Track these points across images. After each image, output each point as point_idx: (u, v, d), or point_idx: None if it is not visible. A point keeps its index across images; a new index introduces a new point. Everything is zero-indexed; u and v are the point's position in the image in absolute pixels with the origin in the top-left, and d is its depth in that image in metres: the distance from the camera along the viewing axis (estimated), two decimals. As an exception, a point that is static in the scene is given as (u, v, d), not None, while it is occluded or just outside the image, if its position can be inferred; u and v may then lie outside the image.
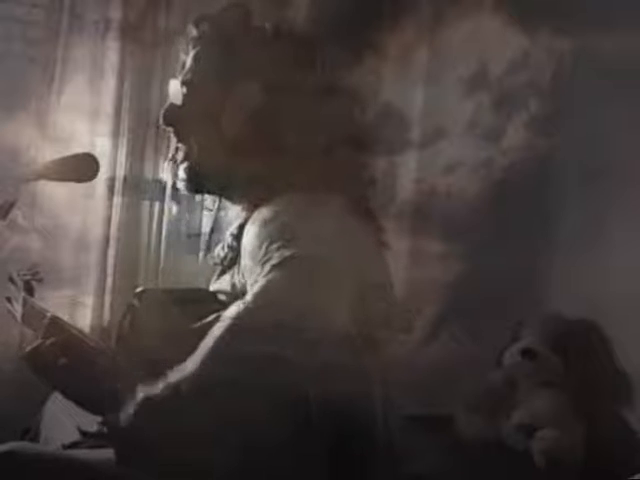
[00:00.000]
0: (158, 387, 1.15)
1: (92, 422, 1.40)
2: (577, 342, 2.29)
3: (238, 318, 1.13)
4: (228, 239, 1.39)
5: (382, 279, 1.38)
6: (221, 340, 1.13)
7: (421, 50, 2.73)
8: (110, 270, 2.58)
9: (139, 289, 1.40)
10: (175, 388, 1.14)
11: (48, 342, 1.31)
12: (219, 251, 1.41)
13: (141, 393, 1.16)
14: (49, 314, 1.37)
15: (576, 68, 2.51)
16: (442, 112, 2.70)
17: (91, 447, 1.42)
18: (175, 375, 1.15)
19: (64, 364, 1.28)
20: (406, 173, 2.78)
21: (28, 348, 1.32)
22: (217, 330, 1.14)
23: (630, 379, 2.24)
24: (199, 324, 1.25)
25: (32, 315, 1.44)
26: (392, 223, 2.70)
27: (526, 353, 2.28)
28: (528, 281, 2.51)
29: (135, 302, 1.38)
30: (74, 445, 1.49)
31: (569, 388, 2.26)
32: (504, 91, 2.66)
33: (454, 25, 2.66)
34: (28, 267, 1.58)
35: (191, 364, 1.14)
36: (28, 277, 1.55)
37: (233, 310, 1.14)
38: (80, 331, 1.38)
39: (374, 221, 1.45)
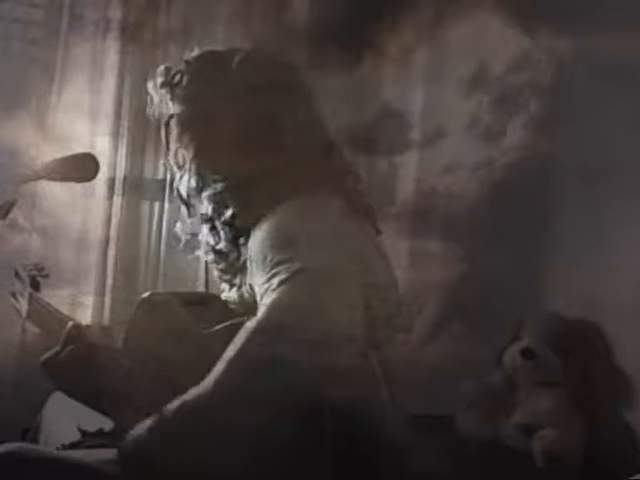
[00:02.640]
0: (174, 404, 1.15)
1: (92, 422, 1.40)
2: (577, 342, 2.29)
3: (252, 334, 1.14)
4: (229, 252, 1.38)
5: (386, 279, 1.38)
6: (236, 358, 1.13)
7: (421, 50, 2.73)
8: (110, 270, 2.58)
9: (146, 294, 1.40)
10: (193, 404, 1.13)
11: (67, 350, 1.31)
12: (222, 267, 1.41)
13: (155, 415, 1.16)
14: (71, 323, 1.36)
15: (576, 68, 2.51)
16: (442, 112, 2.70)
17: (91, 447, 1.42)
18: (193, 392, 1.14)
19: (82, 371, 1.28)
20: (406, 173, 2.78)
21: (46, 356, 1.32)
22: (232, 347, 1.14)
23: (630, 379, 2.24)
24: (209, 331, 1.25)
25: (42, 314, 1.44)
26: (392, 223, 2.71)
27: (526, 353, 2.28)
28: (528, 281, 2.51)
29: (142, 306, 1.38)
30: (74, 445, 1.49)
31: (569, 388, 2.26)
32: (504, 91, 2.66)
33: (454, 25, 2.66)
34: (34, 263, 1.58)
35: (209, 381, 1.13)
36: (34, 272, 1.55)
37: (248, 327, 1.15)
38: (98, 337, 1.38)
39: (372, 219, 1.45)
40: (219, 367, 1.13)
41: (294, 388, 1.10)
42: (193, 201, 1.45)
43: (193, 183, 1.42)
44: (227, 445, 1.12)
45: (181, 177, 1.45)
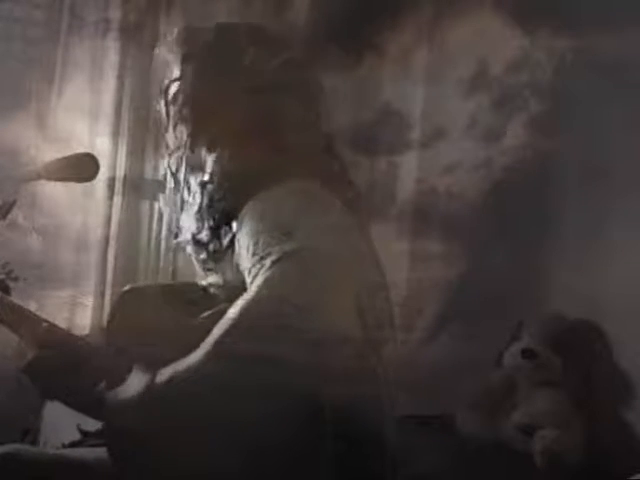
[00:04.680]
0: (155, 377, 1.14)
1: (92, 422, 1.39)
2: (577, 342, 2.29)
3: (242, 314, 1.12)
4: (209, 242, 1.36)
5: (380, 278, 1.37)
6: (225, 336, 1.12)
7: (421, 50, 2.73)
8: (110, 270, 2.58)
9: (125, 288, 1.39)
10: (173, 380, 1.13)
11: (45, 352, 1.30)
12: (203, 257, 1.39)
13: (136, 384, 1.16)
14: (45, 324, 1.35)
15: (576, 68, 2.51)
16: (442, 112, 2.70)
17: (91, 446, 1.42)
18: (175, 367, 1.14)
19: (63, 373, 1.27)
20: (406, 173, 2.78)
21: (26, 360, 1.31)
22: (221, 326, 1.13)
23: (630, 379, 2.24)
24: (195, 320, 1.24)
25: (15, 317, 1.42)
26: (393, 223, 2.71)
27: (526, 353, 2.29)
28: (528, 281, 2.51)
29: (122, 301, 1.37)
30: (74, 445, 1.49)
31: (569, 388, 2.26)
32: (504, 91, 2.66)
33: (454, 25, 2.66)
34: (1, 265, 1.55)
35: (193, 358, 1.13)
36: (2, 276, 1.52)
37: (237, 306, 1.13)
38: (76, 336, 1.37)
39: (365, 221, 1.44)
40: (200, 352, 1.11)
41: (284, 385, 1.09)
42: (181, 177, 1.42)
43: (183, 162, 1.40)
44: (212, 435, 1.11)
45: (174, 151, 1.41)
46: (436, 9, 2.69)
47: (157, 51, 1.46)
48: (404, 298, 2.61)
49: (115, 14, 2.56)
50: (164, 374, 1.14)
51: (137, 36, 2.57)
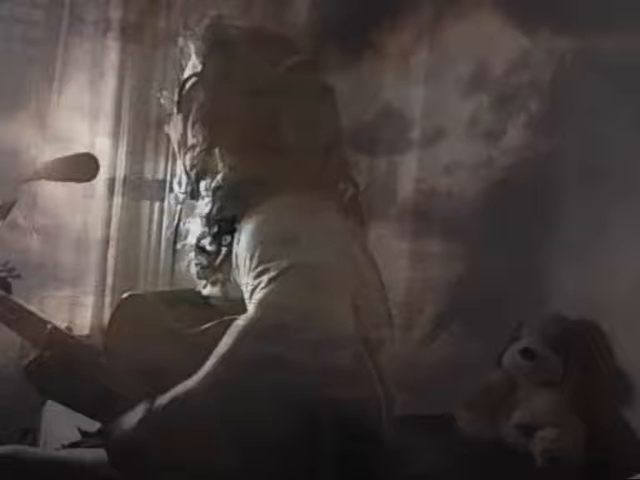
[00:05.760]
0: (165, 398, 1.14)
1: (92, 422, 1.39)
2: (577, 342, 2.29)
3: (245, 330, 1.13)
4: (210, 250, 1.36)
5: (376, 279, 1.37)
6: (233, 346, 1.12)
7: (421, 50, 2.73)
8: (110, 270, 2.58)
9: (125, 294, 1.39)
10: (184, 399, 1.13)
11: (48, 353, 1.30)
12: (204, 263, 1.38)
13: (144, 405, 1.15)
14: (49, 325, 1.35)
15: (576, 68, 2.51)
16: (442, 112, 2.71)
17: (91, 447, 1.41)
18: (183, 386, 1.13)
19: (64, 374, 1.27)
20: (406, 173, 2.78)
21: (28, 360, 1.30)
22: (225, 343, 1.13)
23: (630, 379, 2.24)
24: (197, 330, 1.24)
25: (16, 316, 1.41)
26: (392, 223, 2.71)
27: (526, 353, 2.29)
28: (528, 281, 2.51)
29: (121, 307, 1.36)
30: (74, 445, 1.49)
31: (569, 388, 2.26)
32: (504, 91, 2.66)
33: (454, 25, 2.66)
34: (2, 263, 1.53)
35: (200, 375, 1.13)
36: (4, 274, 1.51)
37: (239, 324, 1.14)
38: (80, 339, 1.37)
39: (364, 224, 1.44)
40: (210, 364, 1.12)
41: (290, 388, 1.10)
42: (193, 177, 1.41)
43: (197, 162, 1.38)
44: (221, 441, 1.12)
45: (190, 150, 1.40)
46: (436, 9, 2.70)
47: (180, 40, 1.43)
48: (404, 298, 2.62)
49: (115, 14, 2.56)
50: (164, 398, 1.14)
51: (137, 36, 2.57)
